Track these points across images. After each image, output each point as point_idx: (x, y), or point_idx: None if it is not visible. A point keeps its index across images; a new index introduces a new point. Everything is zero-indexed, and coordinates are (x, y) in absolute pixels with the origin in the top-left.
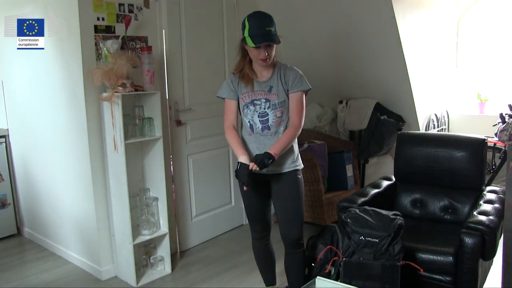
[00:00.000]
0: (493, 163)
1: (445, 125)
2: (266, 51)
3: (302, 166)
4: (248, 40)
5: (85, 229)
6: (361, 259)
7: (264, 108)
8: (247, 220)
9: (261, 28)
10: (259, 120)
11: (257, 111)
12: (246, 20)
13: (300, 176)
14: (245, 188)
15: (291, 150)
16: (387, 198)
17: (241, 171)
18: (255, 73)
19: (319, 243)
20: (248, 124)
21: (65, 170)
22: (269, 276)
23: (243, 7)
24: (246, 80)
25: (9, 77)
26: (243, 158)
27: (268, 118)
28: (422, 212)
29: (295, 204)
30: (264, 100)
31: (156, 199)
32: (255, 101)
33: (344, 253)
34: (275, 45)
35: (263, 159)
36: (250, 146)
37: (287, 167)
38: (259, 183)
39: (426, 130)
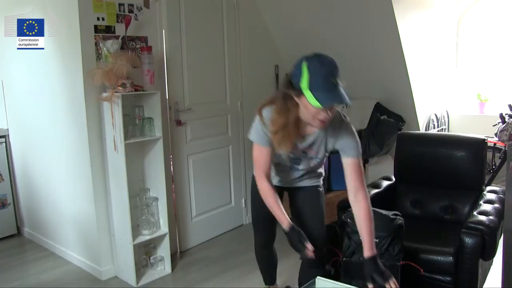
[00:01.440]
0: (493, 163)
1: (445, 125)
2: (330, 111)
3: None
4: (309, 96)
5: (85, 229)
6: (361, 259)
7: (301, 159)
8: (254, 229)
9: (328, 80)
10: (291, 162)
11: (289, 157)
12: (304, 65)
13: (321, 189)
14: (309, 255)
15: (319, 175)
16: (387, 198)
17: (295, 240)
18: (300, 130)
19: None
20: (275, 162)
21: (65, 170)
22: (270, 276)
23: (243, 7)
24: (286, 140)
25: (9, 77)
26: (287, 225)
27: (301, 162)
28: (422, 212)
29: (320, 213)
30: (303, 155)
31: (156, 199)
32: (290, 155)
33: (344, 253)
34: None
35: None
36: (273, 174)
37: (310, 183)
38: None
39: (426, 130)
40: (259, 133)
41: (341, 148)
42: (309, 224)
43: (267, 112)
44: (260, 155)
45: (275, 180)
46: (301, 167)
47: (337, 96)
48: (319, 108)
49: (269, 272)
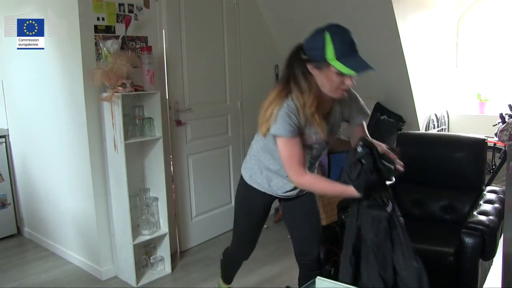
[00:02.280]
0: (493, 163)
1: (445, 125)
2: (352, 78)
3: None
4: (339, 65)
5: (85, 229)
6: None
7: (320, 151)
8: (237, 241)
9: (353, 46)
10: (309, 161)
11: (310, 154)
12: (327, 36)
13: None
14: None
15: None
16: None
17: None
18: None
19: None
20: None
21: (65, 170)
22: (232, 277)
23: (243, 7)
24: (318, 125)
25: (9, 77)
26: (353, 189)
27: (318, 160)
28: (422, 212)
29: (317, 217)
30: (324, 143)
31: (156, 199)
32: (314, 145)
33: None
34: None
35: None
36: (274, 182)
37: None
38: (269, 206)
39: (426, 130)
40: (287, 123)
41: (353, 116)
42: (309, 236)
43: (289, 100)
44: (294, 148)
45: (274, 188)
46: (316, 165)
47: (364, 61)
48: (345, 77)
49: (234, 274)
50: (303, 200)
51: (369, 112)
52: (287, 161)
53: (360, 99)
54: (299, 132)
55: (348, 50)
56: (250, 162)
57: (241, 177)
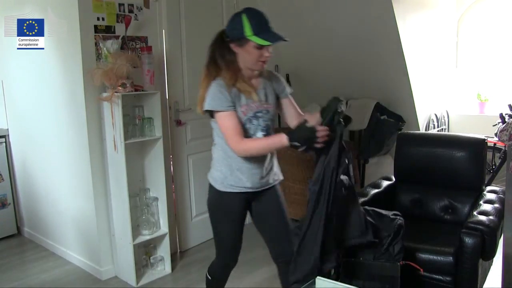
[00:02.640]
0: (493, 163)
1: (445, 125)
2: (269, 50)
3: None
4: (257, 39)
5: (85, 229)
6: (361, 259)
7: (267, 121)
8: (219, 253)
9: (267, 23)
10: (263, 135)
11: (260, 125)
12: (243, 16)
13: (278, 185)
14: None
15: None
16: (387, 198)
17: (309, 133)
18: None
19: None
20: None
21: (65, 170)
22: None
23: (243, 7)
24: (246, 89)
25: (9, 77)
26: (285, 137)
27: (269, 132)
28: (422, 212)
29: (284, 214)
30: (265, 112)
31: (156, 199)
32: (257, 114)
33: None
34: None
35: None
36: (245, 174)
37: (277, 178)
38: (246, 205)
39: (426, 130)
40: (218, 97)
41: (281, 90)
42: (282, 235)
43: (217, 79)
44: (230, 120)
45: (247, 183)
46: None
47: (277, 34)
48: (262, 50)
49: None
50: (270, 200)
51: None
52: (226, 133)
53: (282, 77)
54: (234, 105)
55: (263, 27)
56: (218, 169)
57: (210, 188)
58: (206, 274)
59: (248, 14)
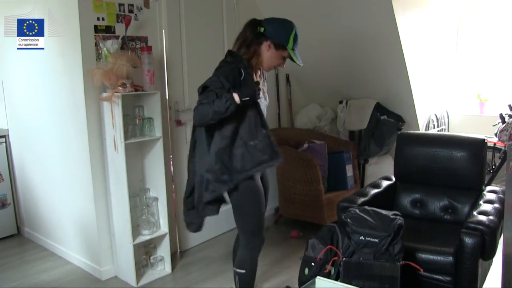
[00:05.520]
0: (493, 163)
1: (445, 125)
2: (285, 63)
3: None
4: (293, 55)
5: (85, 229)
6: (361, 259)
7: (263, 108)
8: (258, 233)
9: (297, 46)
10: (261, 123)
11: (263, 103)
12: (294, 31)
13: None
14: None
15: None
16: (387, 198)
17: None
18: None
19: (319, 243)
20: (261, 120)
21: (65, 170)
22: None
23: (243, 7)
24: (256, 75)
25: (9, 77)
26: (236, 95)
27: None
28: (422, 212)
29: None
30: (263, 99)
31: (156, 199)
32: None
33: (344, 253)
34: None
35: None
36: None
37: None
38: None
39: (426, 130)
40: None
41: (265, 91)
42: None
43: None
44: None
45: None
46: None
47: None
48: (284, 61)
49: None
50: (265, 183)
51: (369, 112)
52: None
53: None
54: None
55: (297, 47)
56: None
57: (243, 181)
58: (236, 271)
59: (296, 31)
